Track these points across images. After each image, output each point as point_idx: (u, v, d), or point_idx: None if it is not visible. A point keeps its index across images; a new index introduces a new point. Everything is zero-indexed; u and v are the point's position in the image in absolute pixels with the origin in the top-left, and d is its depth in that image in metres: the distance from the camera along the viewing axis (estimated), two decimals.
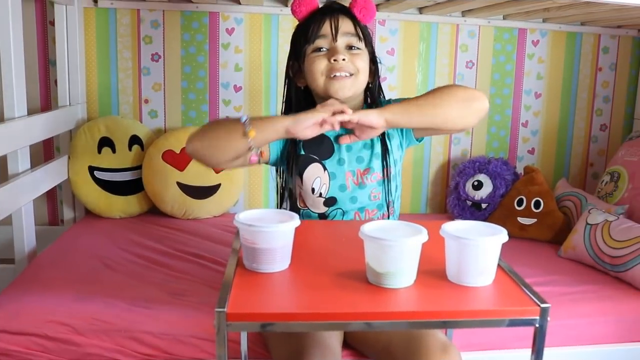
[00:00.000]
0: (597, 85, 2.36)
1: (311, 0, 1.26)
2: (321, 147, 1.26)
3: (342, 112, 1.10)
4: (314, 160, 1.26)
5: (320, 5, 1.27)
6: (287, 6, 2.08)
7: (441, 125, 1.16)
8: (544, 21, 2.24)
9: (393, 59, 2.20)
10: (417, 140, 1.31)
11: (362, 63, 1.23)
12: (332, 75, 1.20)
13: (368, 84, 1.29)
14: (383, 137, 1.27)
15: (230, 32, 2.11)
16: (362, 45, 1.24)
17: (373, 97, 1.31)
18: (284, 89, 1.33)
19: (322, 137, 1.26)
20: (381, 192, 1.27)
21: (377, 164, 1.26)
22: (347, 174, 1.26)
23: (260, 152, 1.19)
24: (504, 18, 2.22)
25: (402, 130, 1.29)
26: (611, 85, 2.36)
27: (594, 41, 2.31)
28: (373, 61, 1.29)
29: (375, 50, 1.31)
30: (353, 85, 1.22)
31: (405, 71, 2.21)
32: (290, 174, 1.27)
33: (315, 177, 1.26)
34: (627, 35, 2.32)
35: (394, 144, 1.28)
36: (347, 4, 1.27)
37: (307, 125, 1.09)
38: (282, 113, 1.33)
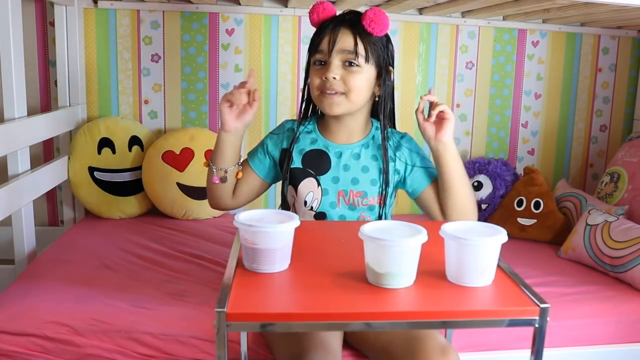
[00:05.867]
0: (597, 86, 2.36)
1: (324, 10, 1.24)
2: (319, 163, 1.28)
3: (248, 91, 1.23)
4: (310, 175, 1.27)
5: (337, 14, 1.26)
6: (287, 7, 2.08)
7: (452, 197, 1.24)
8: (543, 22, 2.25)
9: None
10: (409, 193, 1.33)
11: (356, 81, 1.21)
12: (323, 92, 1.22)
13: (375, 97, 1.29)
14: (386, 167, 1.27)
15: (230, 32, 2.11)
16: (361, 61, 1.21)
17: (378, 111, 1.31)
18: (304, 88, 1.33)
19: (321, 153, 1.28)
20: (371, 218, 1.27)
21: (372, 189, 1.27)
22: (340, 193, 1.26)
23: (237, 172, 1.30)
24: (504, 19, 2.23)
25: (412, 178, 1.30)
26: (611, 86, 2.36)
27: (593, 42, 2.31)
28: (380, 75, 1.26)
29: (393, 63, 1.29)
30: (342, 103, 1.22)
31: (405, 72, 2.22)
32: (285, 183, 1.30)
33: (308, 190, 1.27)
34: (627, 36, 2.32)
35: (395, 179, 1.30)
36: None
37: (224, 119, 1.22)
38: (300, 110, 1.35)
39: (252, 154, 1.36)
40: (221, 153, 1.26)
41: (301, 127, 1.32)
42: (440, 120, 1.21)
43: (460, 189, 1.23)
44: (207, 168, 1.30)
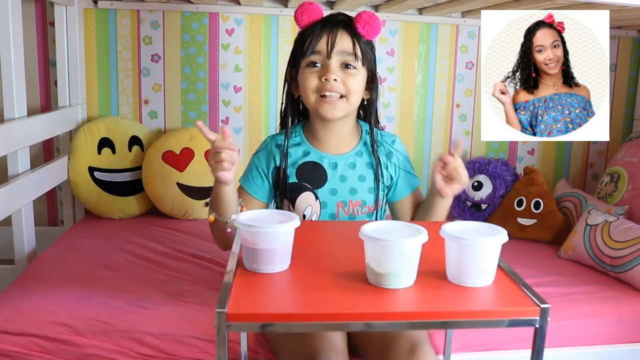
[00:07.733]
0: None
1: (314, 11, 1.22)
2: (314, 176, 1.26)
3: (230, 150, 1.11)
4: (307, 189, 1.26)
5: (325, 15, 1.24)
6: (287, 7, 2.08)
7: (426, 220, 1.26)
8: None
9: (393, 59, 2.20)
10: (387, 196, 1.33)
11: (355, 84, 1.20)
12: (322, 95, 1.20)
13: (364, 100, 1.28)
14: (377, 172, 1.27)
15: (230, 32, 2.11)
16: (358, 64, 1.21)
17: (367, 114, 1.31)
18: (283, 92, 1.32)
19: (314, 165, 1.26)
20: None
21: (369, 197, 1.27)
22: (339, 204, 1.25)
23: (241, 208, 1.21)
24: None
25: (396, 182, 1.32)
26: (611, 86, 2.36)
27: None
28: (372, 79, 1.26)
29: (377, 68, 1.29)
30: (344, 107, 1.21)
31: (405, 72, 2.21)
32: (281, 199, 1.28)
33: (306, 205, 1.26)
34: (627, 36, 2.32)
35: (389, 184, 1.31)
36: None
37: (223, 176, 1.13)
38: (280, 117, 1.34)
39: (246, 179, 1.31)
40: (227, 204, 1.18)
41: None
42: (454, 180, 1.19)
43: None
44: (208, 210, 1.23)
